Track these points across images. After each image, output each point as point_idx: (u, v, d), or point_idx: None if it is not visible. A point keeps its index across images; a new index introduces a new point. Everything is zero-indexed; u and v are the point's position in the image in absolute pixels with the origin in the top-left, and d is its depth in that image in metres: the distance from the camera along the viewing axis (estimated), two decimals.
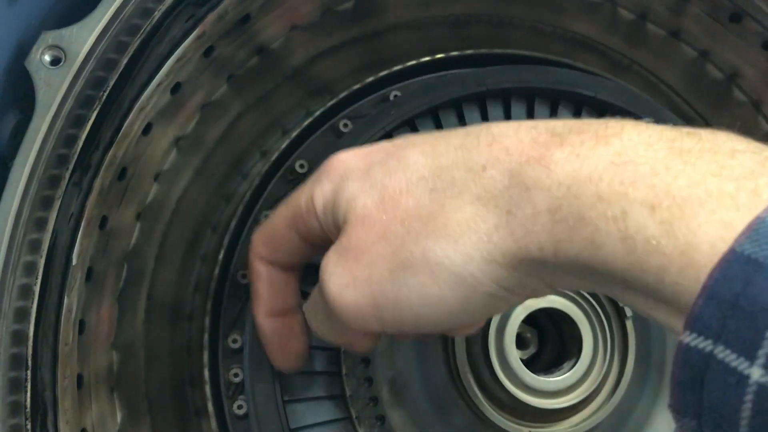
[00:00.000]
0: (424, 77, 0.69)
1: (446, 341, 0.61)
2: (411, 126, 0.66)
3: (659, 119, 0.69)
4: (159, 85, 0.56)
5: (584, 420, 0.63)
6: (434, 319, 0.41)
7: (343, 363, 0.60)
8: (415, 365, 0.62)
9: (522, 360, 0.65)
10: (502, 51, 0.77)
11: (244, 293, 0.65)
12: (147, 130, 0.60)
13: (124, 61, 0.49)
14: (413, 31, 0.78)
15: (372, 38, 0.77)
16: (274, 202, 0.68)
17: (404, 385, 0.61)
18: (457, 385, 0.61)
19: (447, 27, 0.79)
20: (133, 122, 0.55)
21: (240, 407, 0.66)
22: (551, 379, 0.60)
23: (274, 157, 0.66)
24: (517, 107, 0.69)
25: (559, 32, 0.81)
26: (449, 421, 0.61)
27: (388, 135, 0.65)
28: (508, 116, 0.68)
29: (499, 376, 0.60)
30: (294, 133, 0.67)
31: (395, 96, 0.69)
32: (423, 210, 0.40)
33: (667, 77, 0.81)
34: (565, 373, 0.61)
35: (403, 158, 0.42)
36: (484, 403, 0.61)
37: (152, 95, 0.55)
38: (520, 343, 0.68)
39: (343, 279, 0.42)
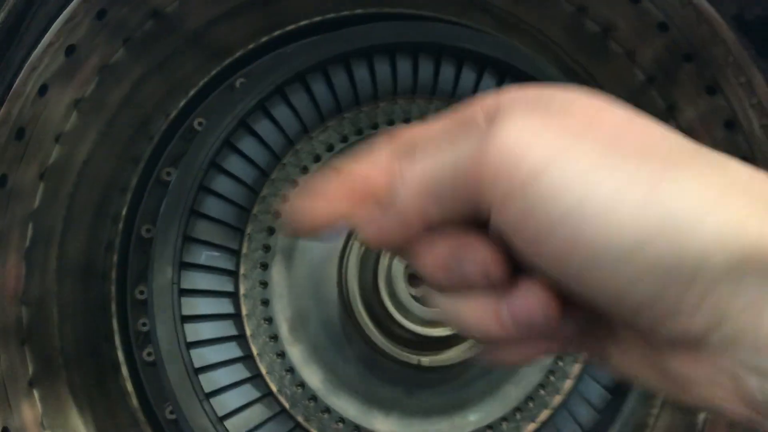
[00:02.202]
0: (316, 37, 0.72)
1: (340, 279, 0.65)
2: (301, 80, 0.69)
3: (537, 71, 0.74)
4: (50, 45, 0.58)
5: (473, 346, 0.68)
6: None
7: (243, 304, 0.64)
8: (312, 303, 0.66)
9: (416, 297, 0.70)
10: (391, 10, 0.81)
11: (148, 247, 0.69)
12: (43, 90, 0.62)
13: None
14: None
15: (267, 2, 0.80)
16: (174, 160, 0.71)
17: (302, 322, 0.66)
18: (352, 320, 0.65)
19: None
20: (25, 82, 0.57)
21: (149, 354, 0.70)
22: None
23: (173, 116, 0.69)
24: (402, 62, 0.73)
25: None
26: (345, 353, 0.66)
27: (279, 89, 0.68)
28: (394, 71, 0.72)
29: (388, 308, 0.64)
30: (192, 92, 0.70)
31: (287, 53, 0.72)
32: None
33: (551, 33, 0.86)
34: None
35: None
36: (378, 335, 0.66)
37: (43, 56, 0.57)
38: (415, 279, 0.73)
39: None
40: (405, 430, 0.67)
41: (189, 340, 0.63)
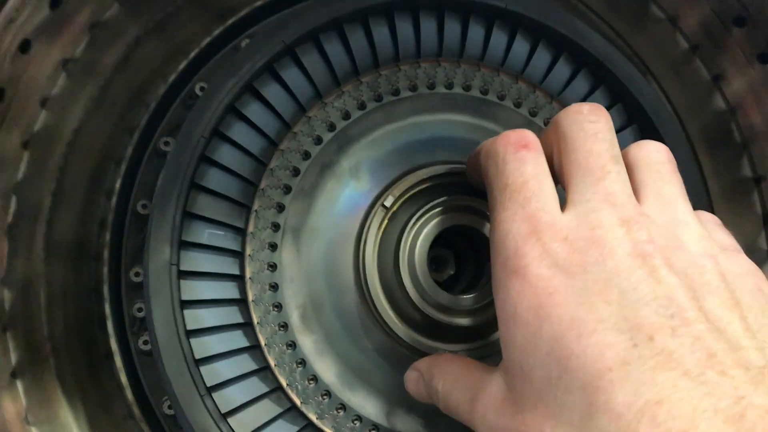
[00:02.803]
0: None
1: (357, 262, 0.59)
2: (314, 39, 0.63)
3: (572, 31, 0.67)
4: None
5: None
6: None
7: (249, 289, 0.58)
8: (326, 289, 0.59)
9: (440, 282, 0.64)
10: None
11: (144, 225, 0.62)
12: (25, 47, 0.55)
13: None
14: None
15: None
16: (173, 129, 0.64)
17: (315, 310, 0.59)
18: (370, 307, 0.59)
19: None
20: (3, 35, 0.50)
21: (146, 343, 0.63)
22: (464, 297, 0.59)
23: (171, 80, 0.62)
24: (426, 20, 0.66)
25: None
26: (363, 344, 0.59)
27: (289, 49, 0.61)
28: (417, 31, 0.65)
29: (411, 296, 0.58)
30: (192, 55, 0.63)
31: (297, 10, 0.65)
32: None
33: None
34: (479, 291, 0.59)
35: None
36: (398, 323, 0.59)
37: (22, 6, 0.50)
38: (439, 265, 0.67)
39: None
40: (430, 430, 0.60)
41: (189, 327, 0.56)
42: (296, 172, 0.61)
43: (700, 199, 0.69)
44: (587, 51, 0.68)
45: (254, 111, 0.62)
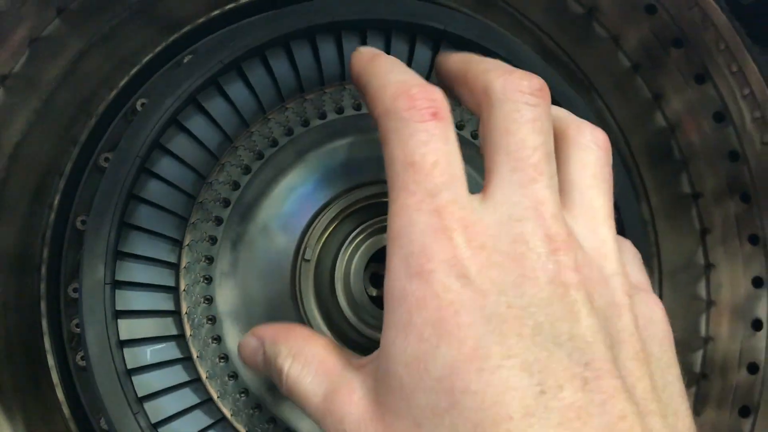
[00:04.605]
0: (276, 10, 0.66)
1: (294, 277, 0.59)
2: (259, 56, 0.63)
3: (513, 54, 0.68)
4: None
5: None
6: None
7: (183, 301, 0.58)
8: (262, 303, 0.60)
9: (380, 297, 0.64)
10: None
11: (79, 240, 0.62)
12: None
13: None
14: None
15: None
16: (114, 145, 0.65)
17: (250, 324, 0.59)
18: (304, 322, 0.59)
19: None
20: None
21: (83, 358, 0.63)
22: None
23: (112, 96, 0.62)
24: (373, 41, 0.67)
25: None
26: None
27: (234, 65, 0.62)
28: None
29: (345, 312, 0.58)
30: (133, 71, 0.63)
31: (243, 27, 0.66)
32: None
33: (532, 14, 0.81)
34: None
35: None
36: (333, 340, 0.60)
37: None
38: (378, 281, 0.67)
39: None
40: None
41: (122, 338, 0.57)
42: (236, 186, 0.62)
43: (634, 223, 0.70)
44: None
45: (196, 125, 0.63)
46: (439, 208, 0.39)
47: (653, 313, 0.44)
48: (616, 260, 0.42)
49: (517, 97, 0.42)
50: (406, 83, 0.42)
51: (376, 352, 0.42)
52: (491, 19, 0.80)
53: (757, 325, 0.75)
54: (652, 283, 0.83)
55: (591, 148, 0.46)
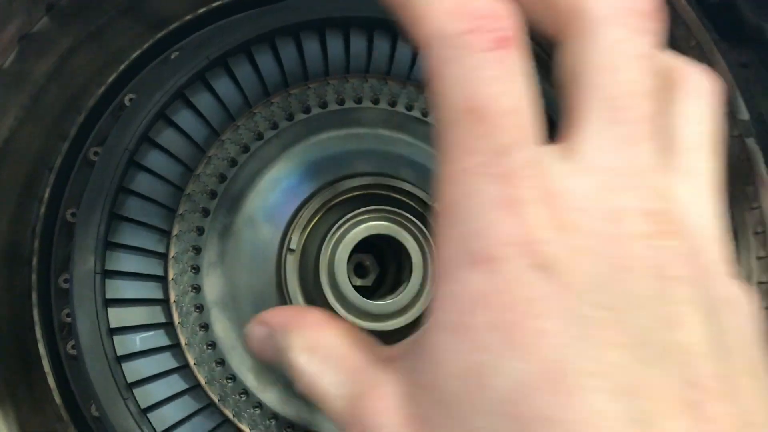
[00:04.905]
0: (262, 8, 0.68)
1: (279, 267, 0.61)
2: (245, 52, 0.65)
3: None
4: None
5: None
6: None
7: (172, 290, 0.60)
8: (248, 293, 0.62)
9: (363, 287, 0.66)
10: None
11: (73, 232, 0.64)
12: None
13: None
14: None
15: None
16: (103, 139, 0.66)
17: (237, 312, 0.62)
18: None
19: None
20: None
21: (74, 347, 0.65)
22: (381, 302, 0.62)
23: (101, 92, 0.64)
24: (356, 38, 0.69)
25: None
26: None
27: (220, 60, 0.64)
28: (347, 47, 0.68)
29: (330, 301, 0.60)
30: (122, 67, 0.65)
31: (228, 24, 0.67)
32: None
33: None
34: (396, 297, 0.62)
35: None
36: None
37: None
38: (361, 271, 0.69)
39: None
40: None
41: (112, 326, 0.59)
42: (223, 178, 0.64)
43: None
44: None
45: (184, 118, 0.65)
46: (511, 173, 0.29)
47: (753, 309, 0.34)
48: (725, 244, 0.33)
49: (627, 20, 0.31)
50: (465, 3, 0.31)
51: (409, 344, 0.36)
52: None
53: None
54: None
55: (701, 96, 0.36)
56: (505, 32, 0.30)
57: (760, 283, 0.74)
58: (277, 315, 0.43)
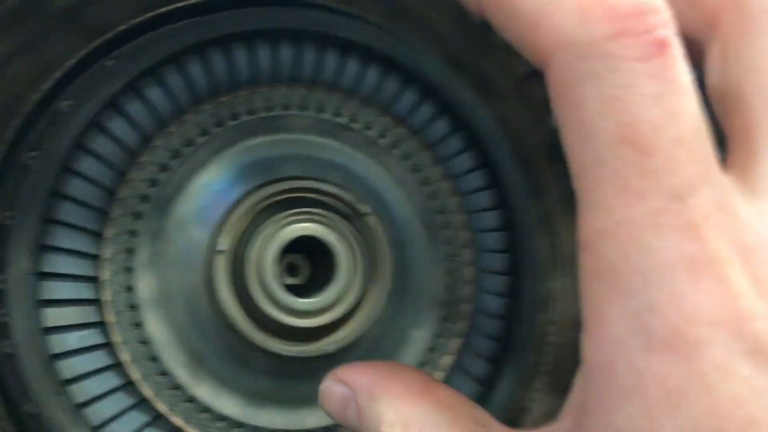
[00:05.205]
0: (193, 19, 0.71)
1: (208, 265, 0.64)
2: (177, 62, 0.68)
3: (419, 65, 0.75)
4: None
5: (345, 336, 0.68)
6: None
7: (106, 289, 0.63)
8: (180, 291, 0.65)
9: (295, 285, 0.70)
10: None
11: (8, 235, 0.66)
12: None
13: None
14: None
15: None
16: (39, 144, 0.69)
17: (169, 311, 0.65)
18: (219, 309, 0.65)
19: None
20: None
21: (9, 346, 0.67)
22: (308, 300, 0.65)
23: (37, 99, 0.66)
24: (284, 49, 0.73)
25: None
26: (214, 342, 0.66)
27: (153, 70, 0.67)
28: (275, 58, 0.72)
29: (256, 299, 0.64)
30: (58, 75, 0.67)
31: (163, 34, 0.70)
32: None
33: (439, 22, 0.87)
34: (322, 295, 0.66)
35: None
36: (249, 327, 0.66)
37: None
38: (294, 270, 0.73)
39: None
40: (277, 420, 0.66)
41: (47, 325, 0.61)
42: (154, 182, 0.67)
43: (524, 219, 0.77)
44: (432, 84, 0.76)
45: (117, 126, 0.68)
46: (697, 222, 0.23)
47: None
48: None
49: None
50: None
51: None
52: (403, 27, 0.87)
53: None
54: (553, 271, 0.92)
55: None
56: (661, 33, 0.23)
57: None
58: (360, 374, 0.36)
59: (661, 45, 0.23)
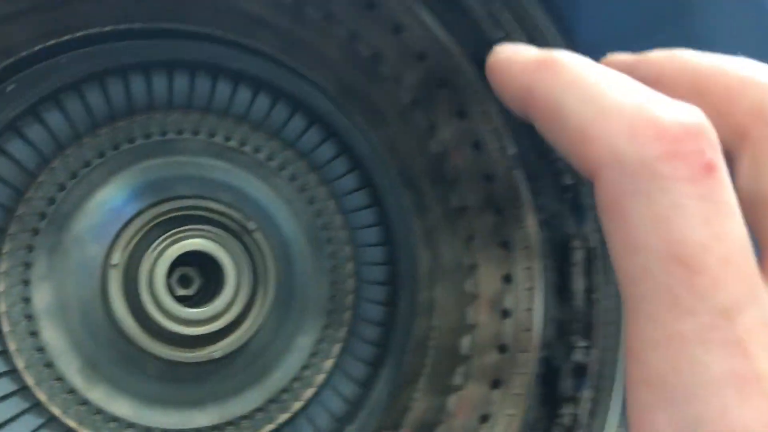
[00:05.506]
0: (92, 47, 0.76)
1: (103, 277, 0.70)
2: (76, 89, 0.73)
3: (306, 96, 0.82)
4: None
5: (232, 343, 0.75)
6: None
7: (2, 301, 0.67)
8: (75, 301, 0.70)
9: (186, 296, 0.76)
10: (183, 27, 0.86)
11: None
12: None
13: None
14: (97, 2, 0.84)
15: (57, 6, 0.82)
16: None
17: (65, 319, 0.70)
18: (112, 317, 0.70)
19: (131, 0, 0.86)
20: None
21: None
22: (197, 310, 0.72)
23: None
24: (179, 78, 0.79)
25: (235, 12, 0.91)
26: (108, 348, 0.71)
27: (53, 95, 0.72)
28: (171, 86, 0.78)
29: (148, 310, 0.69)
30: None
31: (64, 61, 0.75)
32: None
33: (330, 54, 0.95)
34: (210, 305, 0.72)
35: None
36: (139, 334, 0.71)
37: None
38: (186, 282, 0.79)
39: None
40: (167, 420, 0.72)
41: None
42: (52, 201, 0.72)
43: (409, 234, 0.86)
44: (318, 111, 0.84)
45: (16, 148, 0.72)
46: (743, 340, 0.24)
47: None
48: None
49: None
50: (645, 105, 0.25)
51: None
52: (295, 57, 0.94)
53: (505, 314, 0.93)
54: (434, 282, 1.01)
55: None
56: (710, 155, 0.24)
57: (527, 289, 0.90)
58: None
59: (710, 167, 0.24)
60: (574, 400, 0.86)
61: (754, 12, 0.62)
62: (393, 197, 0.90)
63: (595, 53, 0.76)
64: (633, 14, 0.71)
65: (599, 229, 0.85)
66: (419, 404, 1.03)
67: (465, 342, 1.02)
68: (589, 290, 0.86)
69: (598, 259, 0.85)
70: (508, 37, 0.83)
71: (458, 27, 0.87)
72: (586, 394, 0.84)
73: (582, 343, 0.87)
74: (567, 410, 0.87)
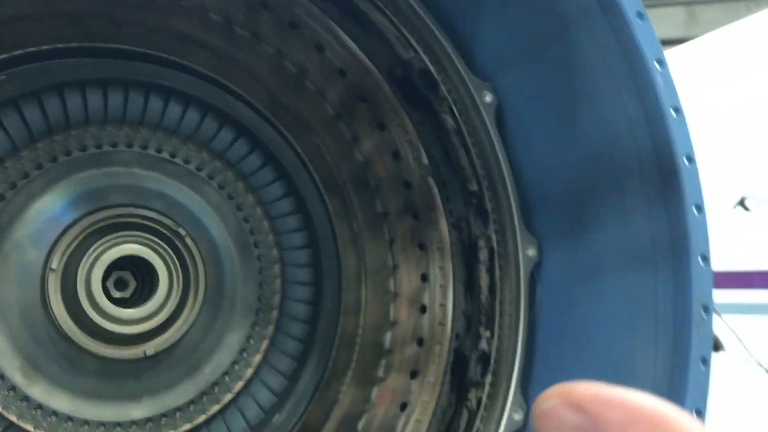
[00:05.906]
0: (30, 65, 0.81)
1: (43, 278, 0.75)
2: (14, 104, 0.78)
3: (232, 111, 0.89)
4: None
5: (165, 340, 0.81)
6: None
7: None
8: (15, 302, 0.75)
9: (123, 298, 0.82)
10: (118, 46, 0.92)
11: None
12: None
13: None
14: (35, 22, 0.89)
15: None
16: None
17: (4, 319, 0.75)
18: (50, 315, 0.75)
19: (67, 20, 0.91)
20: None
21: None
22: (132, 310, 0.78)
23: None
24: (113, 95, 0.84)
25: (169, 32, 0.97)
26: (46, 346, 0.76)
27: None
28: (105, 102, 0.83)
29: (86, 311, 0.75)
30: None
31: (2, 78, 0.80)
32: None
33: (260, 70, 1.02)
34: (144, 306, 0.79)
35: None
36: (77, 333, 0.77)
37: None
38: (122, 285, 0.85)
39: None
40: (105, 413, 0.78)
41: None
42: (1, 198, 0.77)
43: (327, 239, 0.93)
44: (245, 124, 0.90)
45: None
46: None
47: None
48: None
49: None
50: None
51: None
52: (228, 74, 1.00)
53: (423, 310, 1.01)
54: (360, 283, 1.09)
55: None
56: None
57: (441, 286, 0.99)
58: (593, 394, 0.27)
59: None
60: (478, 384, 0.95)
61: (624, 45, 0.71)
62: (316, 203, 0.98)
63: (488, 71, 0.86)
64: (520, 38, 0.80)
65: (500, 231, 0.95)
66: (346, 397, 1.10)
67: (388, 337, 1.10)
68: (492, 285, 0.95)
69: (501, 257, 0.94)
70: (417, 57, 0.91)
71: (374, 47, 0.95)
72: (488, 378, 0.92)
73: (486, 334, 0.95)
74: (473, 394, 0.96)
